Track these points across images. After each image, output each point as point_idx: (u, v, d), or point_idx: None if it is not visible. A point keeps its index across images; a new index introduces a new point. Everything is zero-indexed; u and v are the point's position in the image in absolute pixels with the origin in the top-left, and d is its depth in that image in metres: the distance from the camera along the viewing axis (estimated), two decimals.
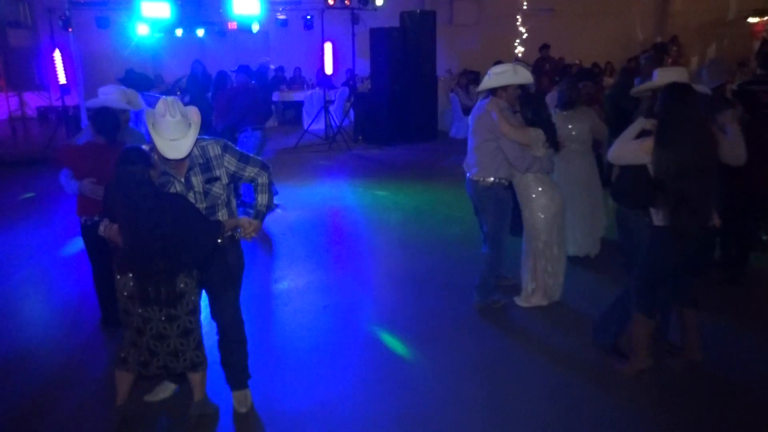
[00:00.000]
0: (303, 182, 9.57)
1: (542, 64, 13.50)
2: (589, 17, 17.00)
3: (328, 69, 12.14)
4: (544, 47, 13.41)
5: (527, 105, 4.82)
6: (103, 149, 4.24)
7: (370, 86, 13.45)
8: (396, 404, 3.80)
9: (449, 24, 16.62)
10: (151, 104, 6.25)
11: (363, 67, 14.43)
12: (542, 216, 4.85)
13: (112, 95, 4.58)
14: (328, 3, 11.19)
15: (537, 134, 4.70)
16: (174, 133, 3.20)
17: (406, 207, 8.17)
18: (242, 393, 3.75)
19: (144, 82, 6.76)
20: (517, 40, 12.43)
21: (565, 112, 5.73)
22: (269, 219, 7.44)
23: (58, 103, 16.58)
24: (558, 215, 4.90)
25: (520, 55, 12.56)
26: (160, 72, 13.95)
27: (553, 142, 4.83)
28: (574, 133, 5.70)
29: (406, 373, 4.16)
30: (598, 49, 16.50)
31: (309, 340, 4.65)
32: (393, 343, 4.57)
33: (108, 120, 4.33)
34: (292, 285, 5.66)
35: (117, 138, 4.34)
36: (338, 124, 12.79)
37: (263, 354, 4.32)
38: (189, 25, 11.41)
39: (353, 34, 11.83)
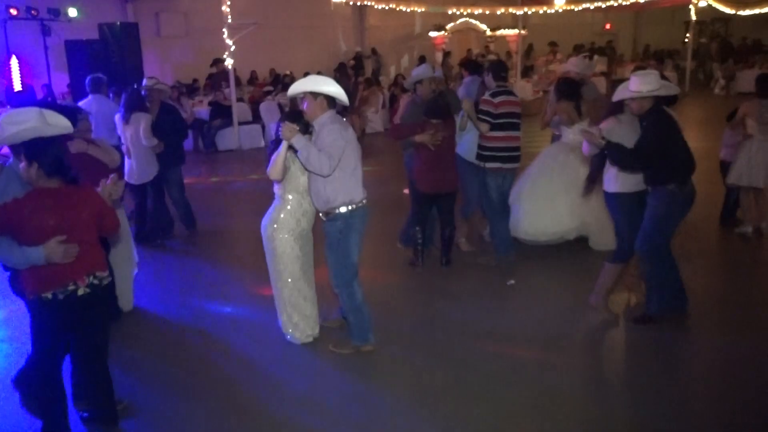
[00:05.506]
0: None
1: (217, 78, 13.98)
2: (296, 30, 18.01)
3: (17, 85, 11.00)
4: (217, 61, 13.88)
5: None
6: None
7: (71, 100, 12.51)
8: None
9: (157, 36, 16.17)
10: None
11: (63, 81, 13.35)
12: None
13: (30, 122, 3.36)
14: (11, 13, 10.12)
15: None
16: None
17: None
18: None
19: None
20: (226, 53, 12.64)
21: None
22: None
23: None
24: None
25: (229, 66, 12.77)
26: None
27: None
28: None
29: None
30: (309, 59, 17.60)
31: None
32: None
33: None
34: None
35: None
36: None
37: None
38: None
39: (46, 47, 10.88)
